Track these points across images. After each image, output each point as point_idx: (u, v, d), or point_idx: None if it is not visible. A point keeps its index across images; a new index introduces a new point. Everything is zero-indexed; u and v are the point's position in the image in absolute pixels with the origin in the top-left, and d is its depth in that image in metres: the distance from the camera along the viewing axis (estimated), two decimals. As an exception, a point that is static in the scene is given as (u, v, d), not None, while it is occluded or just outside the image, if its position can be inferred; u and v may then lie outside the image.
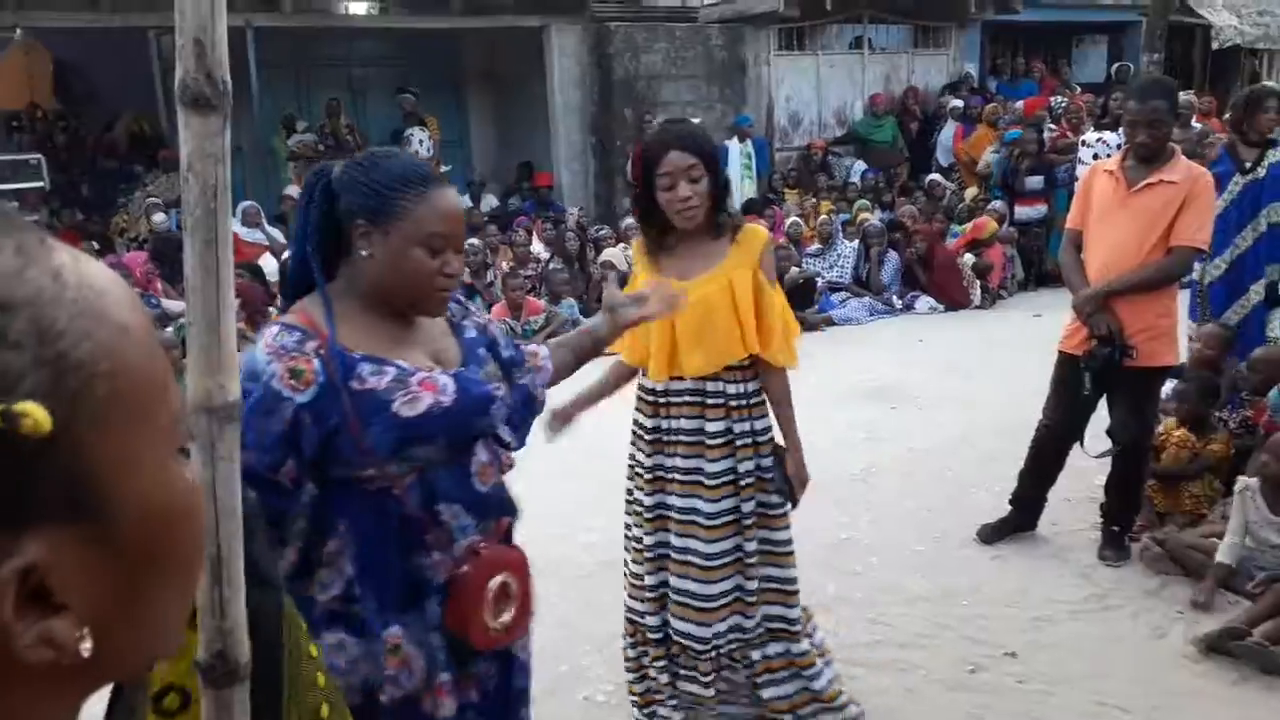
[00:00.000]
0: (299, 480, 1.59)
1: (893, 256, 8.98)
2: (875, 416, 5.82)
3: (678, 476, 2.64)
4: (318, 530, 1.63)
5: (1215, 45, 14.47)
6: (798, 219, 9.53)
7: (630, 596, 2.79)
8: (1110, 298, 3.67)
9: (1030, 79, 13.01)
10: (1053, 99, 11.30)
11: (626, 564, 2.82)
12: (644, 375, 2.69)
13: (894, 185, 11.11)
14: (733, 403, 2.61)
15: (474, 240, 8.64)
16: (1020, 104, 11.01)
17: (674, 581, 2.67)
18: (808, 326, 8.21)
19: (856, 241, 9.10)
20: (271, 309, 7.12)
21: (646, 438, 2.69)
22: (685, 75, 10.97)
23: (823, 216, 9.43)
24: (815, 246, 9.20)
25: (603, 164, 10.81)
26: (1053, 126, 10.36)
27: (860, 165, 11.34)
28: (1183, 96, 8.20)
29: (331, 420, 1.57)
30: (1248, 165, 4.86)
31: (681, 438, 2.63)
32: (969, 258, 8.98)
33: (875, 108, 11.77)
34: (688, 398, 2.62)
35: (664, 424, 2.66)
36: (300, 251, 1.68)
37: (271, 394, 1.54)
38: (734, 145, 10.46)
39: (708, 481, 2.62)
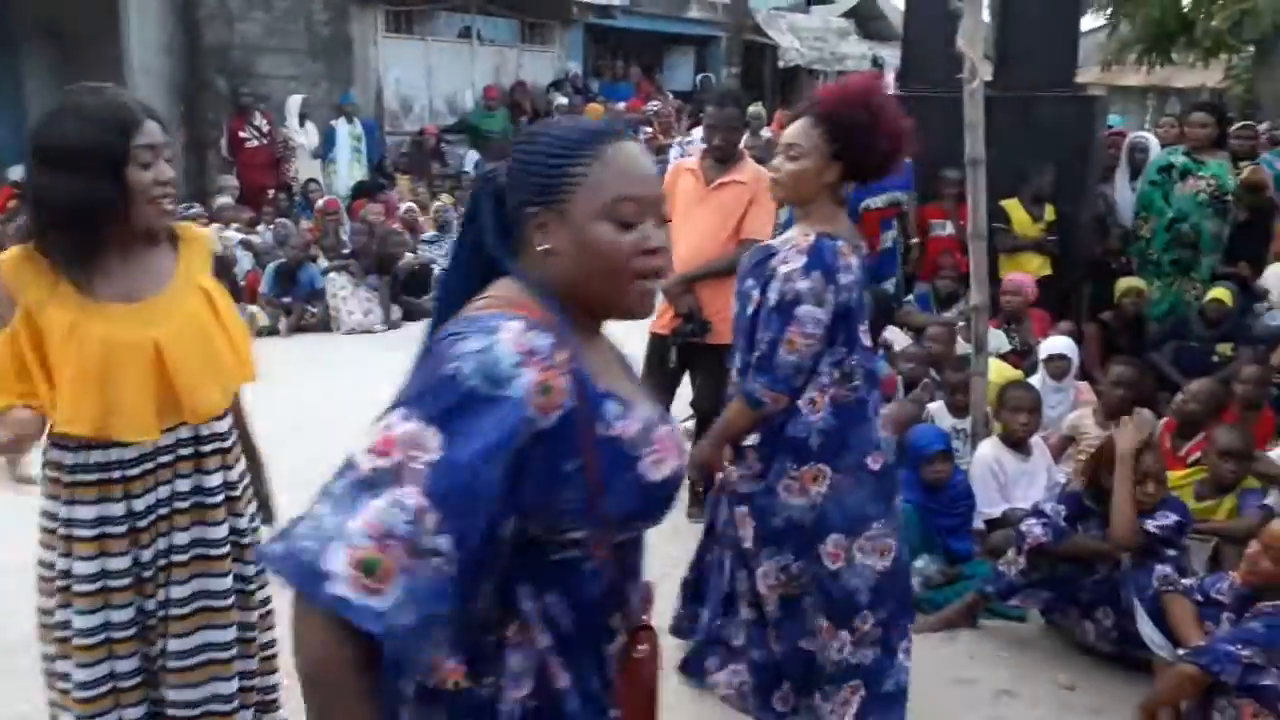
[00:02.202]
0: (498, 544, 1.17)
1: (504, 244, 9.19)
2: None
3: (176, 558, 2.08)
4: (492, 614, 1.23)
5: (781, 64, 16.46)
6: (412, 205, 9.45)
7: None
8: (693, 282, 4.09)
9: (628, 82, 13.94)
10: (648, 104, 12.22)
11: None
12: (83, 449, 1.99)
13: (505, 176, 11.36)
14: (227, 443, 2.15)
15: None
16: (623, 105, 11.76)
17: (172, 695, 2.10)
18: (423, 314, 8.20)
19: (470, 229, 9.22)
20: None
21: (114, 530, 2.00)
22: (287, 48, 10.41)
23: (438, 204, 9.43)
24: (431, 234, 9.19)
25: (192, 136, 9.94)
26: (648, 129, 11.21)
27: (474, 155, 11.47)
28: (752, 109, 9.29)
29: (565, 465, 1.16)
30: None
31: (177, 505, 2.07)
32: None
33: (489, 100, 11.96)
34: (180, 452, 2.07)
35: (142, 502, 2.03)
36: (469, 260, 1.28)
37: (522, 420, 1.11)
38: (342, 125, 10.13)
39: (213, 551, 2.12)
